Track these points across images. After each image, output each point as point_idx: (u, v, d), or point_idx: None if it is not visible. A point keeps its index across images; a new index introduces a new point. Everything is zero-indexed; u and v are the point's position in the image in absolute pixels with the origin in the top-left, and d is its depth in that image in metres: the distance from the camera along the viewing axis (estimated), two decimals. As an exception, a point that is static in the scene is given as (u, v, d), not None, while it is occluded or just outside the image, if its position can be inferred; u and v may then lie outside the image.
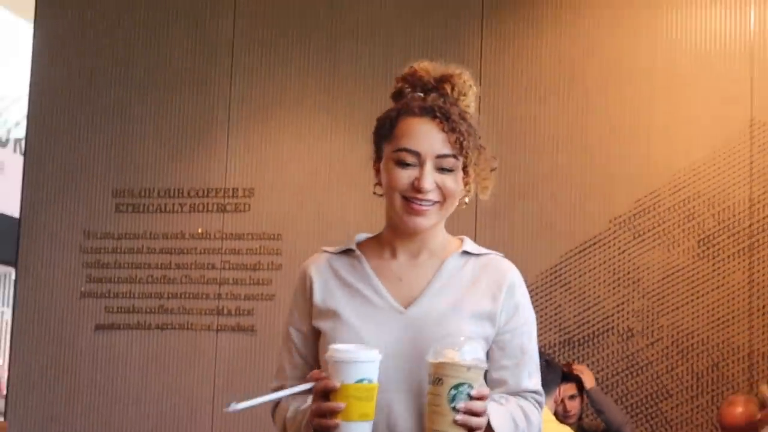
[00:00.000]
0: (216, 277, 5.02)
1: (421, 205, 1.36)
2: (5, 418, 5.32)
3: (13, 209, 5.55)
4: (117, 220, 5.11)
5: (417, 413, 1.35)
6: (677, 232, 4.14)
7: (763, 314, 3.84)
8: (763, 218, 3.93)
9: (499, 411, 1.33)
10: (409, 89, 1.45)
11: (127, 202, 5.12)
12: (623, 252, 4.20)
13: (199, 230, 5.04)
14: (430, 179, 1.35)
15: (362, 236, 1.55)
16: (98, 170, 5.16)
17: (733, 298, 3.90)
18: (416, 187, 1.35)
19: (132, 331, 5.01)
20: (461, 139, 1.36)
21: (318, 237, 4.83)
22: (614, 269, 4.20)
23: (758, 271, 3.85)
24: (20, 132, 8.17)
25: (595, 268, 4.28)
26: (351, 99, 5.00)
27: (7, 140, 10.52)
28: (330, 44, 4.99)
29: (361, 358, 1.24)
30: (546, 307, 4.49)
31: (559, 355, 4.22)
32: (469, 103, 1.45)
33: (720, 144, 3.99)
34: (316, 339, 1.47)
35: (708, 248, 3.95)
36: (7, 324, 6.33)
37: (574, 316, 4.38)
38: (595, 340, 4.38)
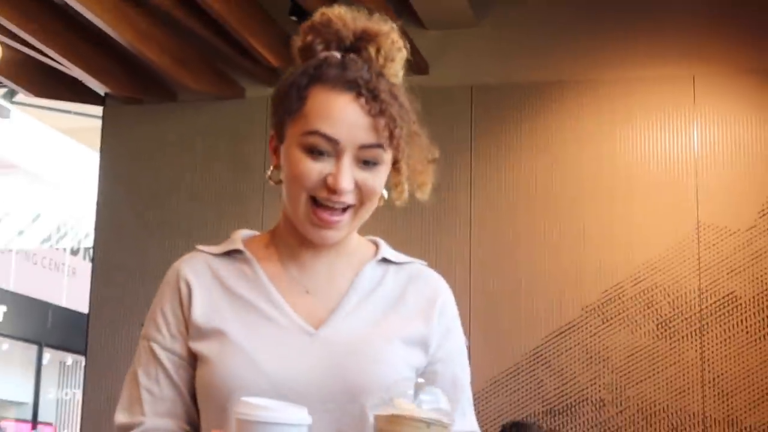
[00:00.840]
0: None
1: (332, 214, 1.01)
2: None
3: (84, 307, 6.10)
4: None
5: None
6: (639, 317, 4.62)
7: (714, 386, 4.30)
8: (711, 304, 4.43)
9: None
10: (321, 45, 1.06)
11: None
12: (594, 335, 4.67)
13: None
14: (348, 177, 0.99)
15: (247, 233, 1.16)
16: (154, 274, 5.63)
17: (688, 372, 4.35)
18: (330, 186, 0.99)
19: None
20: (392, 125, 1.00)
21: None
22: (587, 349, 4.66)
23: (708, 349, 4.33)
24: (89, 242, 8.68)
25: (571, 349, 4.73)
26: None
27: (78, 249, 11.47)
28: None
29: (289, 421, 0.86)
30: (530, 382, 4.91)
31: (542, 424, 4.58)
32: (397, 71, 1.07)
33: (672, 243, 4.51)
34: (192, 365, 1.05)
35: (665, 330, 4.42)
36: (78, 405, 6.79)
37: (554, 389, 4.78)
38: (573, 410, 4.77)
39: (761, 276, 4.43)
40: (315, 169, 0.98)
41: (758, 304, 4.39)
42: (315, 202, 1.00)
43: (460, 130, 5.40)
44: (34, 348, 10.42)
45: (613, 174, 5.05)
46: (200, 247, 1.12)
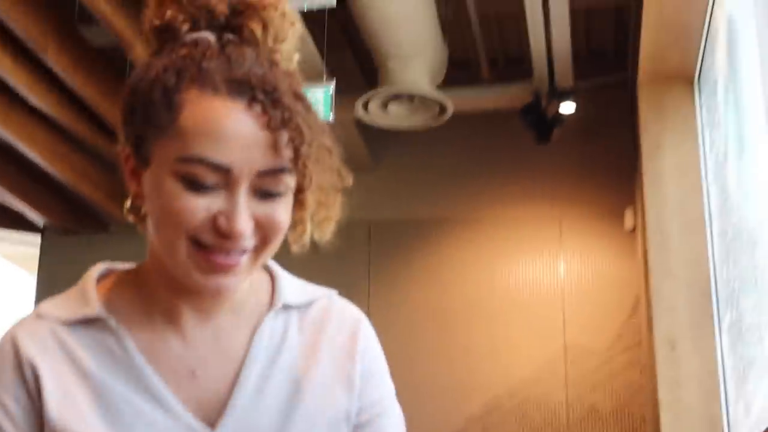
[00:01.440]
0: None
1: (227, 257, 0.70)
2: None
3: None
4: None
5: None
6: (514, 426, 5.00)
7: (580, 491, 4.71)
8: (577, 416, 4.87)
9: None
10: (186, 24, 0.72)
11: None
12: (475, 444, 5.00)
13: None
14: (246, 215, 0.69)
15: (101, 271, 0.80)
16: None
17: (557, 480, 4.76)
18: (222, 229, 0.69)
19: None
20: (298, 139, 0.69)
21: None
22: (469, 458, 4.98)
23: (575, 455, 4.76)
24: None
25: None
26: None
27: None
28: None
29: None
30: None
31: None
32: (291, 55, 0.76)
33: (543, 361, 4.93)
34: None
35: (537, 440, 4.82)
36: None
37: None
38: None
39: (619, 391, 4.86)
40: (199, 206, 0.69)
41: (616, 416, 4.84)
42: (200, 245, 0.70)
43: (359, 262, 5.79)
44: None
45: (492, 299, 5.46)
46: (43, 308, 0.77)
